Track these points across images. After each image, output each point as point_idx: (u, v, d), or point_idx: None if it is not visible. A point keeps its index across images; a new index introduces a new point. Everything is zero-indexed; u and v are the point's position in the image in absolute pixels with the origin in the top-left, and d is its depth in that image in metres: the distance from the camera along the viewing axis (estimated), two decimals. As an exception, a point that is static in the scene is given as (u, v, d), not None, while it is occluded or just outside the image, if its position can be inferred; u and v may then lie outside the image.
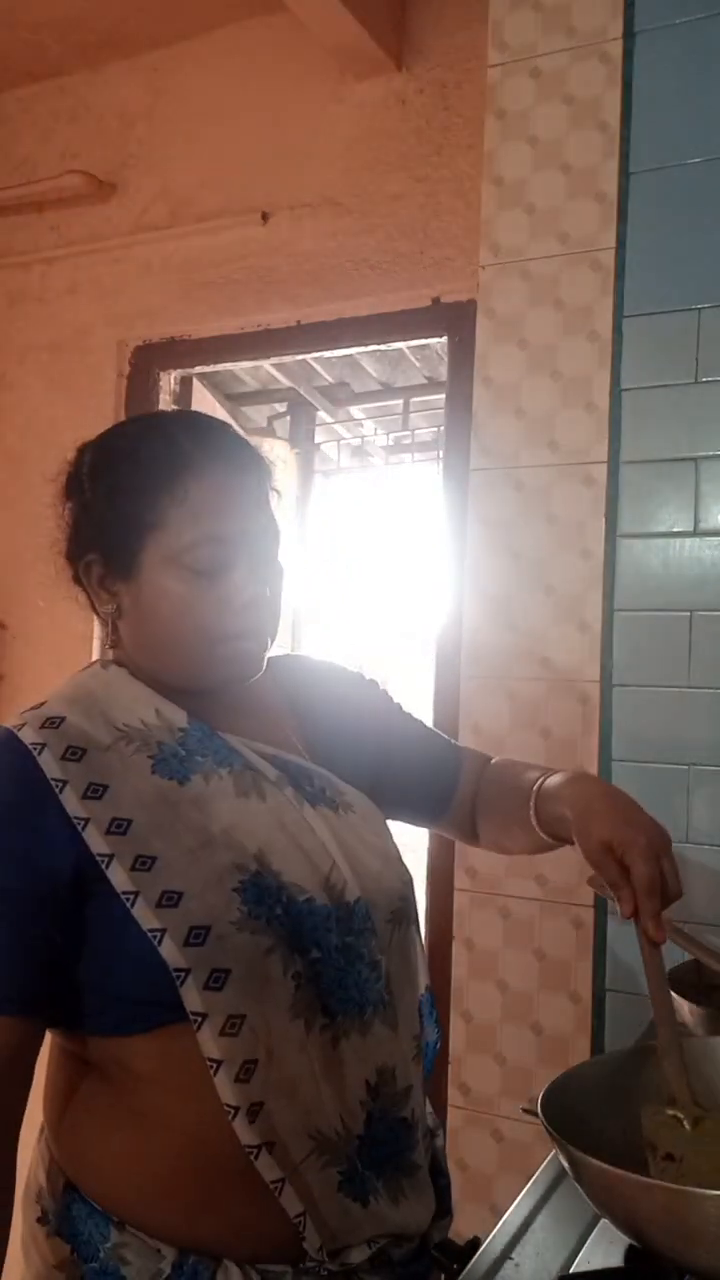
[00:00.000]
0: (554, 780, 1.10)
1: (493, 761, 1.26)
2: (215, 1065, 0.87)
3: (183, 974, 0.88)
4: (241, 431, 1.10)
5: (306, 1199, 0.90)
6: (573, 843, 1.07)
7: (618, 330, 1.73)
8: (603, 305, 1.74)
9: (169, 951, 0.88)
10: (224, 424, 1.09)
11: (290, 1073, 0.91)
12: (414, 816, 1.25)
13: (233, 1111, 0.87)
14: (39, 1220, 0.98)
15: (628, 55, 1.75)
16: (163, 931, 0.89)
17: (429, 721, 2.12)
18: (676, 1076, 0.90)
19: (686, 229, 1.69)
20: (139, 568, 0.99)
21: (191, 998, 0.88)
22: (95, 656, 2.42)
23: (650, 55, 1.73)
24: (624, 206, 1.74)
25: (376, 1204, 0.94)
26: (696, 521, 1.66)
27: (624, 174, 1.75)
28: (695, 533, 1.66)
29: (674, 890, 0.98)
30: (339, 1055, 0.94)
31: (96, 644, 2.48)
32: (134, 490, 0.99)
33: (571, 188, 1.78)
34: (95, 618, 1.07)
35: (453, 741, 1.28)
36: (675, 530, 1.67)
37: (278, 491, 1.07)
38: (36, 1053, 0.94)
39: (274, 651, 1.06)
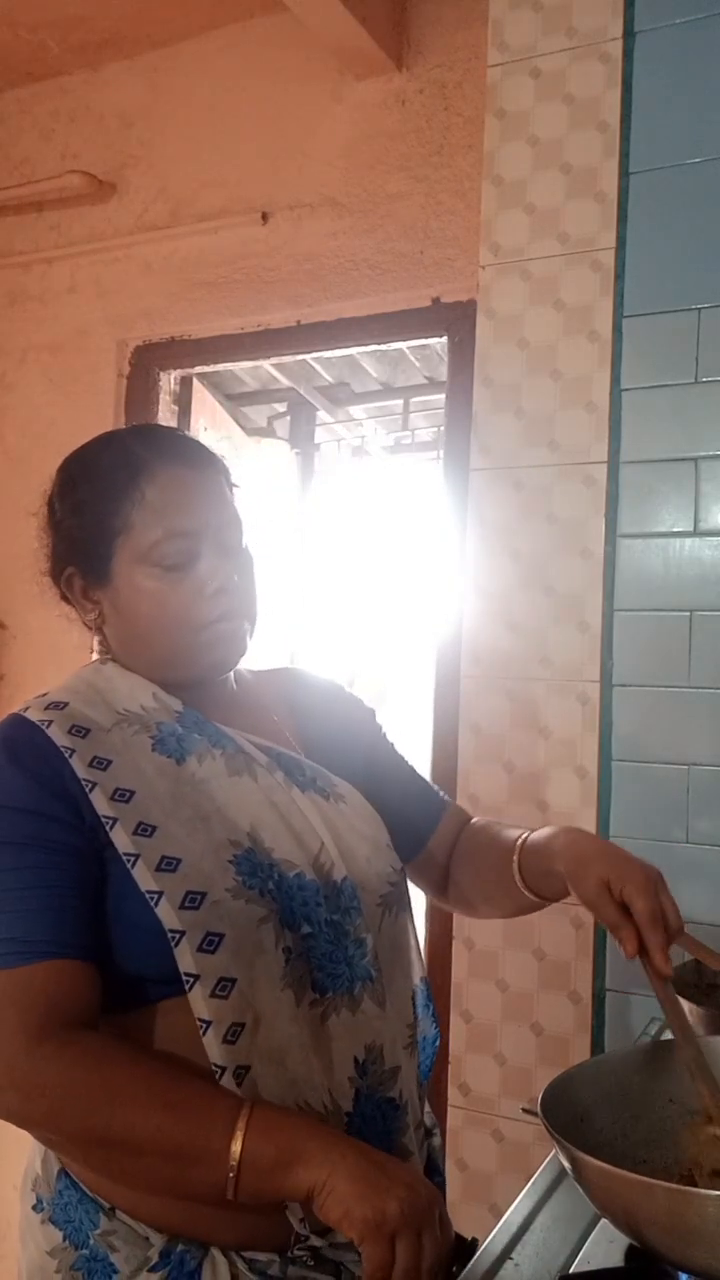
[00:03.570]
0: (539, 835, 1.10)
1: (473, 821, 1.26)
2: (205, 1025, 0.90)
3: (177, 935, 0.91)
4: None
5: None
6: (551, 901, 1.09)
7: (618, 330, 1.73)
8: (603, 305, 1.74)
9: (165, 913, 0.91)
10: (174, 429, 1.14)
11: (279, 1041, 0.92)
12: None
13: (219, 1072, 0.89)
14: (34, 1207, 1.00)
15: (628, 55, 1.75)
16: (160, 894, 0.92)
17: (428, 727, 2.15)
18: (713, 1095, 0.89)
19: (686, 229, 1.69)
20: (112, 573, 1.05)
21: (185, 959, 0.90)
22: (93, 656, 2.43)
23: (650, 55, 1.73)
24: (624, 206, 1.74)
25: None
26: (696, 521, 1.66)
27: (624, 174, 1.75)
28: (695, 533, 1.66)
29: (675, 924, 0.99)
30: (328, 1031, 0.96)
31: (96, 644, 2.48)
32: (97, 500, 1.05)
33: (571, 188, 1.78)
34: (88, 630, 1.13)
35: (440, 792, 1.28)
36: (675, 530, 1.68)
37: (236, 485, 1.12)
38: (100, 997, 0.94)
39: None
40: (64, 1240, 0.96)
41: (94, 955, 0.93)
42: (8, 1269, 2.44)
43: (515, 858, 1.10)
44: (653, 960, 0.96)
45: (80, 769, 0.96)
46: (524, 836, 1.11)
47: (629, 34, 1.75)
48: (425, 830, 1.22)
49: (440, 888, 1.24)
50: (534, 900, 1.10)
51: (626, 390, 1.72)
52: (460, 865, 1.22)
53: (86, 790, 0.95)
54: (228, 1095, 0.88)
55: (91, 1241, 0.94)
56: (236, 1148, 0.83)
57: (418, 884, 1.26)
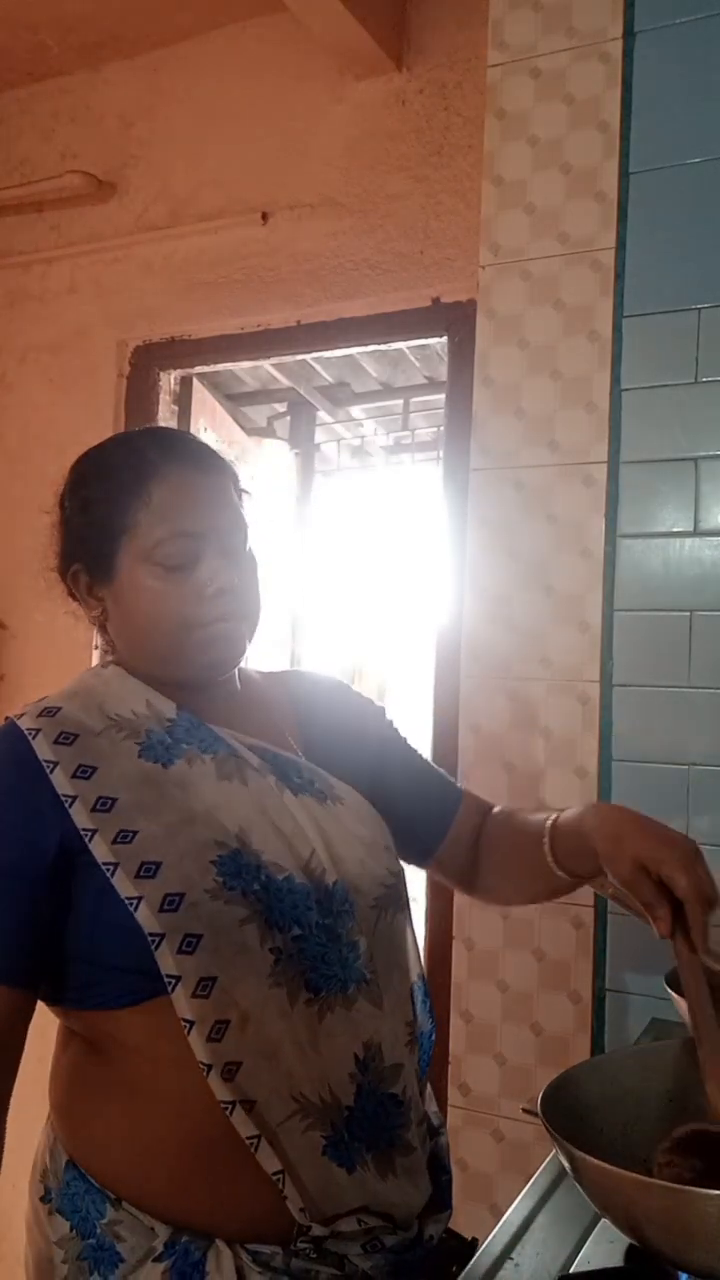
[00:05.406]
0: (570, 814, 1.10)
1: (495, 810, 1.26)
2: (189, 1025, 0.92)
3: (157, 938, 0.92)
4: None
5: (284, 1158, 0.93)
6: (586, 880, 1.09)
7: (618, 330, 1.73)
8: (603, 305, 1.74)
9: (144, 917, 0.93)
10: (186, 433, 1.18)
11: (270, 1036, 0.94)
12: (401, 853, 1.21)
13: (207, 1069, 0.91)
14: (41, 1199, 1.02)
15: (628, 55, 1.75)
16: (139, 899, 0.93)
17: (428, 727, 2.15)
18: None
19: (686, 229, 1.69)
20: (117, 570, 1.06)
21: (166, 961, 0.92)
22: (94, 655, 2.43)
23: (650, 55, 1.73)
24: (624, 206, 1.74)
25: (363, 1173, 0.96)
26: (696, 521, 1.66)
27: (624, 174, 1.74)
28: (695, 533, 1.66)
29: (714, 897, 0.98)
30: (325, 1028, 0.97)
31: (96, 643, 2.48)
32: (105, 499, 1.07)
33: (571, 188, 1.78)
34: (92, 628, 1.14)
35: (455, 783, 1.28)
36: (675, 530, 1.67)
37: (245, 491, 1.14)
38: (28, 1023, 0.98)
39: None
40: (71, 1230, 0.98)
41: (22, 981, 0.96)
42: (7, 1267, 2.44)
43: (547, 840, 1.10)
44: (690, 936, 0.95)
45: (61, 783, 0.97)
46: (554, 818, 1.12)
47: (629, 34, 1.75)
48: (441, 827, 1.22)
49: (467, 881, 1.24)
50: (569, 880, 1.10)
51: (626, 390, 1.72)
52: (488, 856, 1.22)
53: (66, 805, 0.96)
54: None
55: (98, 1231, 0.96)
56: None
57: (443, 879, 1.27)
